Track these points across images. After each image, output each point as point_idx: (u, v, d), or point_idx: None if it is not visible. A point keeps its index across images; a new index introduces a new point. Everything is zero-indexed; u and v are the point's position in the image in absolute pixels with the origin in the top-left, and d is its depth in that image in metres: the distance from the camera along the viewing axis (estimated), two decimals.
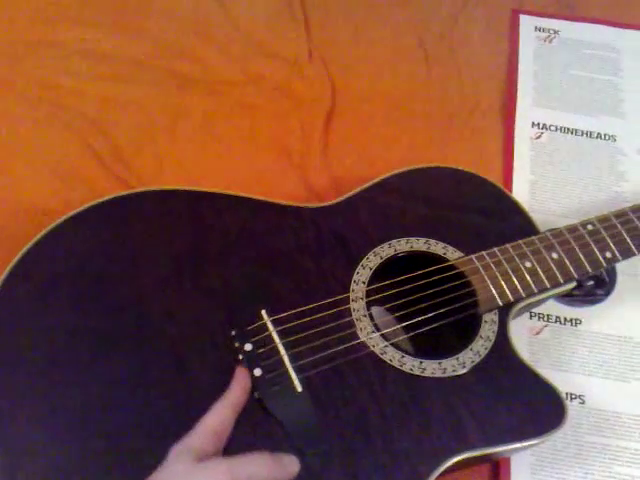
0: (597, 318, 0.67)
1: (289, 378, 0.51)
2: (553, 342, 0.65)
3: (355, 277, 0.58)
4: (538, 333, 0.66)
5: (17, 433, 0.48)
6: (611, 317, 0.67)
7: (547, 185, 0.74)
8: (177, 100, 0.75)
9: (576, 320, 0.67)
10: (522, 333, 0.65)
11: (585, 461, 0.59)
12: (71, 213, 0.57)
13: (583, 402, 0.62)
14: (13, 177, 0.69)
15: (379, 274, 0.58)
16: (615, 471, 0.59)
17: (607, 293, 0.68)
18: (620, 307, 0.67)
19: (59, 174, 0.69)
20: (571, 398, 0.62)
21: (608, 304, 0.68)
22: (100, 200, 0.58)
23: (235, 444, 0.48)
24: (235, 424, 0.49)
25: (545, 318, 0.67)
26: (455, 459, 0.50)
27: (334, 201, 0.62)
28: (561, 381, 0.56)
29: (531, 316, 0.66)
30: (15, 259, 0.54)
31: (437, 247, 0.60)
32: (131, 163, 0.70)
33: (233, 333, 0.53)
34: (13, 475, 0.46)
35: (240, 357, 0.52)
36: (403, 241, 0.60)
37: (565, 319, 0.66)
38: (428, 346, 0.57)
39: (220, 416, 0.48)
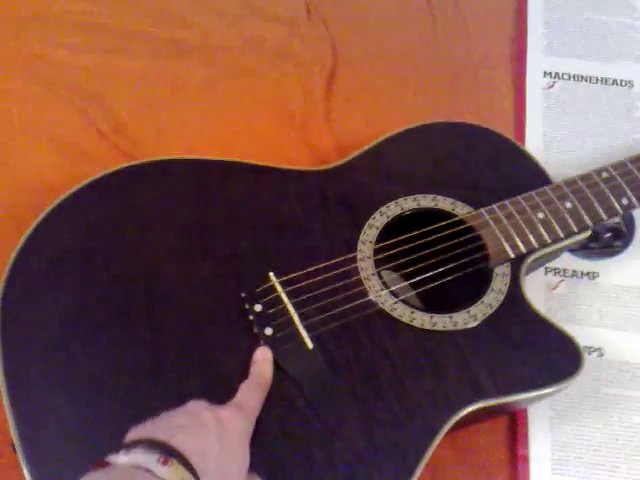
0: (615, 270, 0.70)
1: (300, 336, 0.56)
2: (570, 297, 0.69)
3: (362, 237, 0.62)
4: (554, 288, 0.70)
5: (36, 401, 0.53)
6: (629, 269, 0.70)
7: (561, 137, 0.77)
8: (175, 68, 0.79)
9: (593, 273, 0.70)
10: (538, 289, 0.69)
11: (605, 413, 0.63)
12: (76, 187, 0.61)
13: (602, 355, 0.66)
14: (16, 154, 0.73)
15: (387, 233, 0.63)
16: (635, 422, 0.63)
17: (625, 245, 0.72)
18: (639, 258, 0.71)
19: (61, 149, 0.73)
20: (589, 351, 0.66)
21: (626, 256, 0.71)
22: (104, 173, 0.62)
23: None
24: None
25: (561, 273, 0.70)
26: (468, 409, 0.54)
27: (338, 163, 0.66)
28: (579, 335, 0.59)
29: (547, 272, 0.70)
30: (25, 235, 0.59)
31: (445, 203, 0.64)
32: (133, 134, 0.75)
33: (243, 295, 0.57)
34: (34, 439, 0.52)
35: (250, 318, 0.56)
36: (410, 199, 0.64)
37: (582, 273, 0.70)
38: (439, 303, 0.61)
39: (249, 389, 0.52)
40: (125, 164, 0.63)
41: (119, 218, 0.60)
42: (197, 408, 0.48)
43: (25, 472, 0.50)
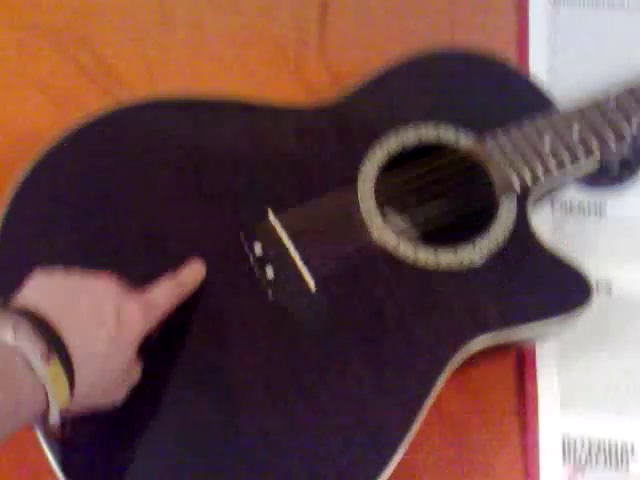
0: (624, 203, 0.68)
1: (302, 278, 0.55)
2: (578, 231, 0.67)
3: (362, 174, 0.60)
4: (561, 223, 0.68)
5: None
6: (636, 201, 0.68)
7: (566, 64, 0.74)
8: (160, 4, 0.76)
9: (601, 207, 0.68)
10: (545, 224, 0.67)
11: (614, 348, 0.62)
12: (67, 132, 0.59)
13: (610, 290, 0.64)
14: (4, 102, 0.71)
15: (389, 169, 0.60)
16: None
17: (633, 177, 0.70)
18: None
19: (49, 95, 0.71)
20: (598, 286, 0.64)
21: (635, 188, 0.69)
22: (94, 116, 0.60)
23: (256, 344, 0.53)
24: (255, 326, 0.53)
25: (568, 207, 0.68)
26: (474, 341, 0.54)
27: (336, 97, 0.63)
28: (587, 269, 0.57)
29: (553, 206, 0.68)
30: (16, 182, 0.57)
31: (448, 132, 0.62)
32: (122, 77, 0.72)
33: (242, 237, 0.56)
34: None
35: (251, 260, 0.55)
36: (411, 130, 0.62)
37: (589, 206, 0.68)
38: (443, 240, 0.59)
39: (165, 291, 0.51)
40: (114, 106, 0.61)
41: (112, 162, 0.59)
42: (106, 292, 0.47)
43: None
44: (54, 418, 0.42)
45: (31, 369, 0.40)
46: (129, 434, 0.50)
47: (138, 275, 0.53)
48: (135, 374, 0.49)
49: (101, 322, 0.45)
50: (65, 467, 0.49)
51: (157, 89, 0.70)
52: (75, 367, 0.42)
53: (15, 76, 0.72)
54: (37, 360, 0.40)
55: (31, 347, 0.40)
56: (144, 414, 0.50)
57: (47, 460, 0.49)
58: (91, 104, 0.68)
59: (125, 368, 0.46)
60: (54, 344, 0.41)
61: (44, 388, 0.40)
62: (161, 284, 0.51)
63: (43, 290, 0.45)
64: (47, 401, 0.41)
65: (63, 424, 0.43)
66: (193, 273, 0.53)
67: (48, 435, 0.46)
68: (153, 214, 0.57)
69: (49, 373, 0.40)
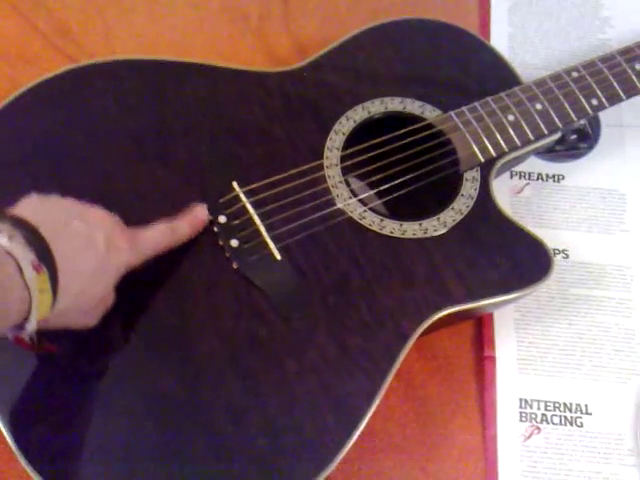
0: (580, 172, 0.70)
1: (267, 247, 0.54)
2: (536, 200, 0.68)
3: (328, 143, 0.59)
4: (520, 192, 0.69)
5: None
6: (595, 170, 0.70)
7: (527, 37, 0.75)
8: None
9: (559, 176, 0.69)
10: (503, 193, 0.68)
11: (569, 313, 0.64)
12: (18, 92, 0.57)
13: (567, 256, 0.66)
14: None
15: (354, 139, 0.60)
16: (599, 320, 0.63)
17: (590, 146, 0.71)
18: (604, 159, 0.70)
19: (3, 56, 0.68)
20: (555, 253, 0.66)
21: (591, 157, 0.70)
22: (51, 74, 0.58)
23: (220, 314, 0.52)
24: (219, 295, 0.52)
25: (527, 176, 0.69)
26: (439, 315, 0.54)
27: (300, 64, 0.62)
28: (545, 237, 0.58)
29: (512, 175, 0.69)
30: None
31: (413, 106, 0.61)
32: (79, 39, 0.70)
33: (206, 206, 0.55)
34: None
35: (215, 229, 0.54)
36: (377, 102, 0.61)
37: (547, 175, 0.69)
38: (408, 211, 0.59)
39: (158, 232, 0.51)
40: (70, 66, 0.58)
41: (66, 125, 0.56)
42: (99, 221, 0.47)
43: None
44: (31, 326, 0.42)
45: (21, 275, 0.40)
46: (87, 400, 0.49)
47: None
48: (110, 301, 0.49)
49: (91, 244, 0.45)
50: (18, 434, 0.48)
51: (115, 51, 0.69)
52: (60, 282, 0.42)
53: None
54: (28, 268, 0.40)
55: (24, 255, 0.40)
56: (104, 379, 0.50)
57: None
58: (48, 66, 0.66)
59: (104, 293, 0.47)
60: (44, 256, 0.42)
61: (29, 295, 0.40)
62: (156, 225, 0.51)
63: (38, 207, 0.45)
64: (29, 309, 0.41)
65: (35, 341, 0.44)
66: (192, 222, 0.53)
67: (15, 344, 0.45)
68: (110, 183, 0.55)
69: (37, 282, 0.40)
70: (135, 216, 0.53)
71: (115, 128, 0.57)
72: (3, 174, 0.55)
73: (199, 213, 0.54)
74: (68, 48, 0.68)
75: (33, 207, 0.45)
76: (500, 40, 0.74)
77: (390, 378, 0.52)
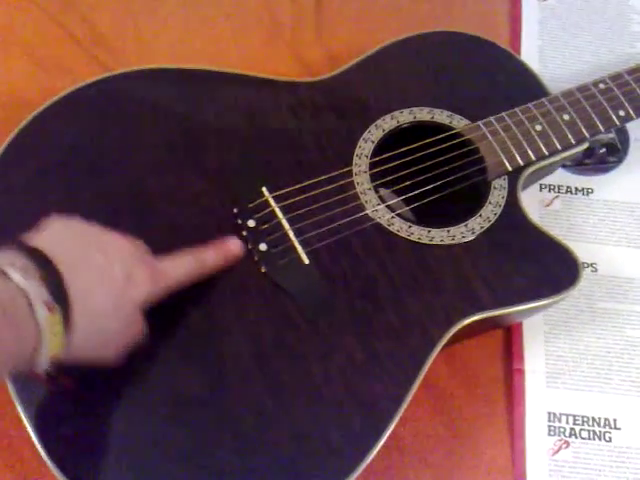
0: (609, 186, 0.69)
1: (295, 251, 0.54)
2: (565, 213, 0.68)
3: (357, 151, 0.59)
4: (549, 205, 0.68)
5: None
6: (623, 184, 0.69)
7: (557, 51, 0.75)
8: None
9: (588, 189, 0.69)
10: (533, 205, 0.67)
11: (598, 327, 0.63)
12: (54, 99, 0.58)
13: (595, 270, 0.65)
14: None
15: (383, 147, 0.60)
16: (627, 334, 0.62)
17: (619, 160, 0.70)
18: (633, 174, 0.70)
19: (39, 62, 0.69)
20: (584, 266, 0.64)
21: (620, 171, 0.70)
22: (83, 84, 0.58)
23: (248, 317, 0.52)
24: (247, 299, 0.52)
25: (556, 189, 0.69)
26: (467, 321, 0.53)
27: (331, 74, 0.63)
28: (576, 252, 0.57)
29: (541, 188, 0.69)
30: (2, 146, 0.55)
31: (442, 116, 0.61)
32: (113, 47, 0.71)
33: (235, 211, 0.55)
34: None
35: (244, 233, 0.54)
36: (406, 112, 0.61)
37: (576, 189, 0.69)
38: (436, 218, 0.58)
39: (182, 264, 0.49)
40: (106, 74, 0.59)
41: (102, 130, 0.57)
42: (120, 251, 0.46)
43: None
44: (43, 364, 0.41)
45: (33, 314, 0.39)
46: (113, 400, 0.49)
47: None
48: (136, 336, 0.47)
49: (108, 279, 0.44)
50: (45, 438, 0.48)
51: (148, 60, 0.68)
52: (74, 319, 0.41)
53: (3, 41, 0.70)
54: (41, 307, 0.39)
55: (38, 293, 0.39)
56: (131, 383, 0.49)
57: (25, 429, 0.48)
58: (79, 72, 0.68)
59: (124, 328, 0.46)
60: (59, 294, 0.41)
61: (41, 335, 0.40)
62: (180, 256, 0.49)
63: (58, 236, 0.44)
64: (40, 349, 0.40)
65: (52, 375, 0.43)
66: (222, 253, 0.51)
67: (30, 379, 0.45)
68: (143, 187, 0.55)
69: (49, 322, 0.40)
70: (165, 221, 0.54)
71: (148, 135, 0.58)
72: (36, 179, 0.55)
73: (232, 245, 0.52)
74: (102, 56, 0.69)
75: (52, 235, 0.44)
76: (530, 53, 0.74)
77: (417, 384, 0.51)
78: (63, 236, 0.44)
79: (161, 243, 0.52)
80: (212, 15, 0.73)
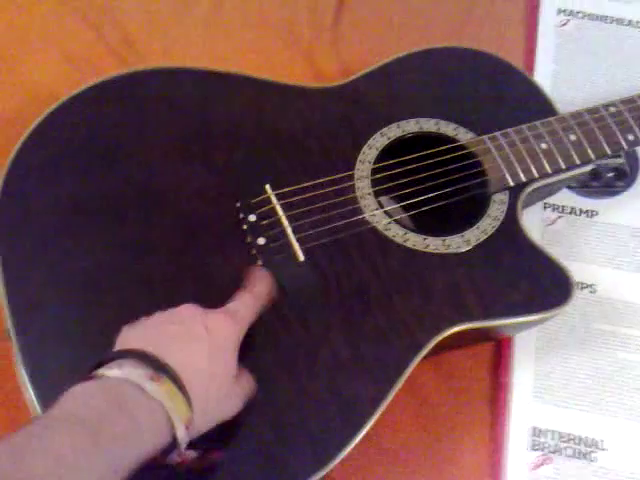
0: (614, 210, 0.69)
1: (292, 247, 0.55)
2: (567, 233, 0.68)
3: (361, 156, 0.61)
4: (552, 224, 0.68)
5: (28, 294, 0.53)
6: (628, 209, 0.69)
7: (571, 75, 0.75)
8: None
9: (592, 211, 0.69)
10: (536, 224, 0.68)
11: (591, 348, 0.63)
12: (78, 90, 0.60)
13: (594, 291, 0.65)
14: (27, 64, 0.73)
15: (387, 155, 0.61)
16: (621, 357, 0.62)
17: (628, 185, 0.71)
18: (638, 198, 0.70)
19: (71, 61, 0.73)
20: (582, 287, 0.65)
21: (626, 196, 0.70)
22: (106, 77, 0.61)
23: None
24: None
25: (560, 209, 0.69)
26: (454, 329, 0.54)
27: (341, 82, 0.65)
28: (573, 270, 0.58)
29: (545, 207, 0.69)
30: (26, 131, 0.58)
31: (448, 128, 0.63)
32: (141, 50, 0.74)
33: (238, 205, 0.57)
34: (24, 328, 0.52)
35: (245, 227, 0.56)
36: (412, 121, 0.63)
37: (580, 210, 0.69)
38: (434, 227, 0.59)
39: (244, 300, 0.50)
40: (129, 69, 0.62)
41: (119, 121, 0.60)
42: (189, 315, 0.47)
43: (18, 360, 0.50)
44: (182, 434, 0.41)
45: (144, 392, 0.40)
46: None
47: (136, 232, 0.55)
48: (246, 382, 0.48)
49: (194, 338, 0.45)
50: None
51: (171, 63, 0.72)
52: (185, 383, 0.42)
53: (38, 39, 0.74)
54: (147, 382, 0.41)
55: (139, 373, 0.41)
56: None
57: None
58: (109, 71, 0.71)
59: (231, 375, 0.46)
60: (159, 366, 0.42)
61: (163, 408, 0.40)
62: (237, 296, 0.51)
63: (133, 336, 0.45)
64: (170, 421, 0.41)
65: (200, 452, 0.44)
66: (265, 284, 0.52)
67: (182, 465, 0.44)
68: (154, 175, 0.58)
69: (162, 390, 0.41)
70: (172, 210, 0.56)
71: (163, 129, 0.60)
72: (53, 166, 0.58)
73: (264, 277, 0.52)
74: (132, 59, 0.73)
75: (129, 337, 0.45)
76: (544, 75, 0.74)
77: (397, 387, 0.52)
78: (135, 334, 0.45)
79: (167, 230, 0.55)
80: (235, 25, 0.76)
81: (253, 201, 0.57)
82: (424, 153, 0.60)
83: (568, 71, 0.75)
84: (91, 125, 0.59)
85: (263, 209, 0.57)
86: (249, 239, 0.56)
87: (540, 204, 0.69)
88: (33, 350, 0.51)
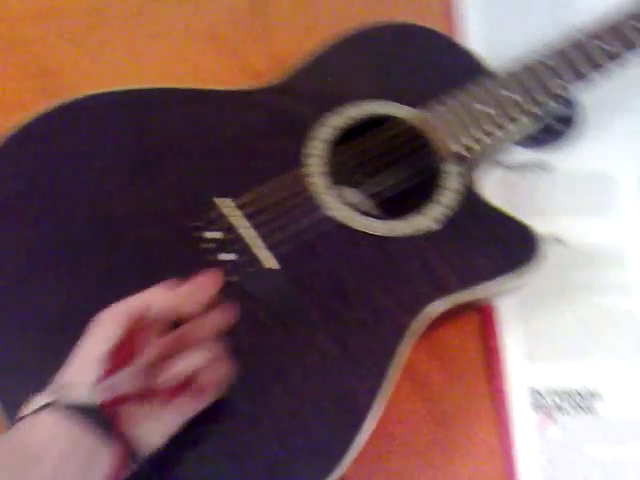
0: (568, 158, 0.69)
1: (261, 258, 0.54)
2: (526, 189, 0.67)
3: (309, 151, 0.59)
4: (509, 183, 0.68)
5: None
6: (582, 155, 0.69)
7: (501, 31, 0.75)
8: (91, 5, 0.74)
9: (547, 163, 0.69)
10: (493, 185, 0.67)
11: (569, 296, 0.63)
12: (6, 134, 0.58)
13: (562, 241, 0.65)
14: None
15: (334, 145, 0.60)
16: (597, 301, 0.63)
17: (575, 131, 0.71)
18: (590, 143, 0.70)
19: None
20: (550, 239, 0.65)
21: (576, 142, 0.70)
22: (33, 116, 0.59)
23: None
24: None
25: (514, 167, 0.69)
26: (434, 306, 0.54)
27: (277, 79, 0.63)
28: (538, 224, 0.58)
29: (499, 167, 0.68)
30: None
31: (388, 107, 0.62)
32: (60, 76, 0.70)
33: (197, 225, 0.55)
34: None
35: (209, 246, 0.54)
36: (352, 107, 0.61)
37: (534, 164, 0.69)
38: (396, 210, 0.59)
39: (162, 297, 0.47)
40: (54, 103, 0.59)
41: (58, 158, 0.57)
42: None
43: None
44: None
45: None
46: None
47: (96, 264, 0.53)
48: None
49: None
50: None
51: (98, 86, 0.67)
52: None
53: None
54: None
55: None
56: None
57: None
58: (30, 106, 0.66)
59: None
60: None
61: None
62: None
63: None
64: None
65: None
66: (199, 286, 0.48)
67: None
68: (104, 210, 0.55)
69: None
70: (132, 244, 0.54)
71: (103, 158, 0.58)
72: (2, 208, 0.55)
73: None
74: (52, 87, 0.69)
75: None
76: (474, 34, 0.74)
77: (391, 372, 0.52)
78: None
79: (126, 263, 0.53)
80: (152, 38, 0.73)
81: (211, 217, 0.55)
82: (372, 138, 0.60)
83: (498, 27, 0.75)
84: (28, 168, 0.57)
85: (223, 223, 0.55)
86: (219, 257, 0.54)
87: (496, 167, 0.68)
88: None
